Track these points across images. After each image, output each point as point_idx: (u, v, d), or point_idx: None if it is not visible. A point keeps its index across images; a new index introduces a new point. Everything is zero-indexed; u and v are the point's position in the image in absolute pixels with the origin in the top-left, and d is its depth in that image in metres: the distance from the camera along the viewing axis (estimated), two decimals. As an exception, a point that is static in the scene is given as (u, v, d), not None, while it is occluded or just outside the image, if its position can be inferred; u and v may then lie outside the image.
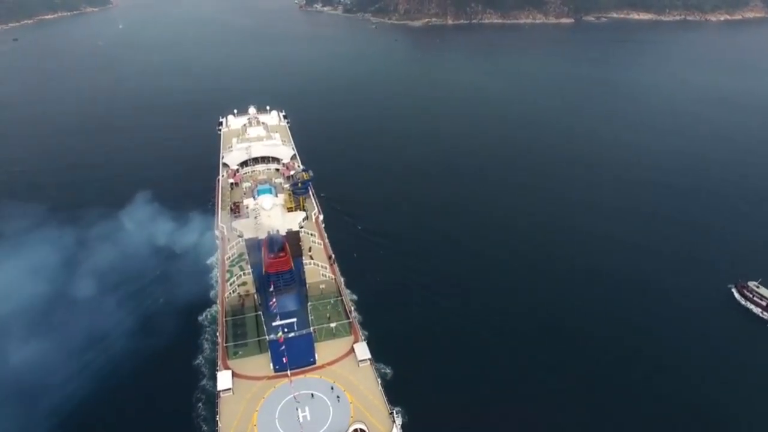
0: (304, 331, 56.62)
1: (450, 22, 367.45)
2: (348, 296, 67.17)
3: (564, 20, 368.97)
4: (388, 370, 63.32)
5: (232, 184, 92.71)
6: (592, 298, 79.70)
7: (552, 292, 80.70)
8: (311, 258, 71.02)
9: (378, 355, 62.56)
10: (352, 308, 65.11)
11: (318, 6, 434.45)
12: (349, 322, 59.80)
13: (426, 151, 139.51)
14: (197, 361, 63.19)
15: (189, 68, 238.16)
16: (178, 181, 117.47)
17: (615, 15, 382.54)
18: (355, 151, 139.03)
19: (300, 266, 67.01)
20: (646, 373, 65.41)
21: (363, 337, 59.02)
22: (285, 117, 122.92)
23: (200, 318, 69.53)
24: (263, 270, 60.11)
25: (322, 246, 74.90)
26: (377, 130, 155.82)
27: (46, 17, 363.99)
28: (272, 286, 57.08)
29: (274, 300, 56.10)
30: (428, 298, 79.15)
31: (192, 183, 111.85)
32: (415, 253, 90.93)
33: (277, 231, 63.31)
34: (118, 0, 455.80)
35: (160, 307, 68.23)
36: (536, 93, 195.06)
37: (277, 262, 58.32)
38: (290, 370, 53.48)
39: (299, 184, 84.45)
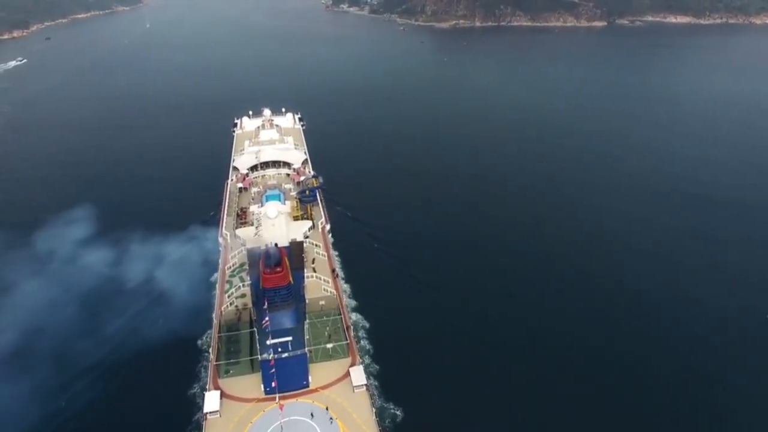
0: (299, 352, 53.59)
1: (478, 24, 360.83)
2: (349, 314, 63.88)
3: (596, 23, 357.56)
4: (392, 408, 57.67)
5: (240, 188, 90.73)
6: (625, 314, 75.07)
7: (591, 311, 75.70)
8: (314, 271, 68.04)
9: (380, 382, 59.40)
10: (352, 327, 61.77)
11: (344, 6, 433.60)
12: (348, 343, 56.56)
13: (448, 158, 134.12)
14: (192, 390, 58.73)
15: (210, 68, 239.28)
16: (189, 184, 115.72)
17: (650, 18, 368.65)
18: (371, 156, 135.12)
19: (300, 280, 64.05)
20: (673, 391, 62.32)
21: (361, 360, 55.62)
22: (300, 119, 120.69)
23: (200, 342, 64.64)
24: (260, 284, 57.55)
25: (326, 258, 71.82)
26: (396, 135, 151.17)
27: (79, 16, 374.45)
28: (266, 303, 54.28)
29: (266, 319, 53.28)
30: (445, 323, 72.06)
31: (203, 188, 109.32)
32: (432, 269, 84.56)
33: (275, 245, 60.48)
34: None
35: (158, 331, 62.75)
36: (566, 100, 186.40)
37: (274, 277, 55.54)
38: (283, 392, 50.55)
39: (307, 192, 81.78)
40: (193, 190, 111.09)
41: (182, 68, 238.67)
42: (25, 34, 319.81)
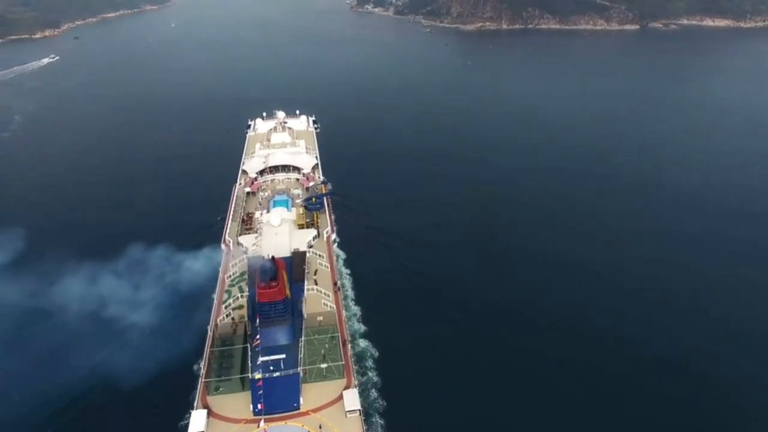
0: (291, 372, 50.97)
1: (504, 26, 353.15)
2: (348, 332, 60.84)
3: (628, 27, 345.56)
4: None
5: (248, 192, 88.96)
6: (666, 326, 71.91)
7: (632, 325, 71.92)
8: (315, 283, 65.31)
9: (379, 410, 55.91)
10: (350, 346, 58.69)
11: (369, 7, 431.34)
12: (343, 364, 53.60)
13: (470, 165, 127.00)
14: (180, 407, 54.17)
15: (231, 68, 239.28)
16: (199, 186, 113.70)
17: (686, 21, 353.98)
18: (388, 162, 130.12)
19: (299, 293, 61.47)
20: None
21: (356, 383, 52.59)
22: (315, 122, 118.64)
23: (195, 368, 59.00)
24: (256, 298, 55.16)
25: (329, 270, 69.05)
26: (415, 141, 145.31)
27: (109, 15, 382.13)
28: (258, 320, 51.79)
29: (258, 338, 50.77)
30: (470, 356, 65.69)
31: (213, 190, 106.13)
32: (453, 288, 78.70)
33: (272, 258, 57.99)
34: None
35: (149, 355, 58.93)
36: (592, 108, 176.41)
37: (269, 292, 53.04)
38: (272, 414, 47.99)
39: (313, 199, 79.38)
40: (202, 192, 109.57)
41: (203, 67, 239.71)
42: (56, 33, 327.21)
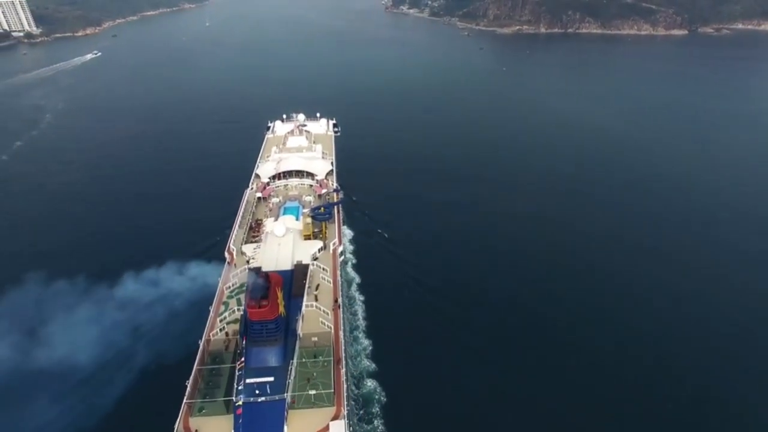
0: (277, 397, 47.34)
1: (543, 30, 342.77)
2: (344, 353, 56.76)
3: (675, 32, 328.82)
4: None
5: (259, 198, 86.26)
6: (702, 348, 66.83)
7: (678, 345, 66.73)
8: (315, 299, 61.44)
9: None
10: (344, 372, 54.53)
11: (404, 8, 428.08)
12: (333, 392, 49.58)
13: (501, 179, 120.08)
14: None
15: (260, 67, 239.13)
16: (217, 190, 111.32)
17: (740, 26, 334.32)
18: (411, 171, 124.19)
19: (296, 311, 57.79)
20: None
21: (345, 412, 48.48)
22: (335, 126, 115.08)
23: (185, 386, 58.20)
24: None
25: (331, 285, 65.22)
26: (441, 150, 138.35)
27: (149, 14, 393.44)
28: (244, 341, 48.46)
29: (242, 360, 47.43)
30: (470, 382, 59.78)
31: (227, 194, 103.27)
32: (473, 311, 72.59)
33: (266, 274, 54.52)
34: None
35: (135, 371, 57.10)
36: (634, 121, 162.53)
37: (259, 312, 49.62)
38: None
39: (321, 209, 75.74)
40: (219, 195, 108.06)
41: (232, 67, 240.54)
42: (97, 31, 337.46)
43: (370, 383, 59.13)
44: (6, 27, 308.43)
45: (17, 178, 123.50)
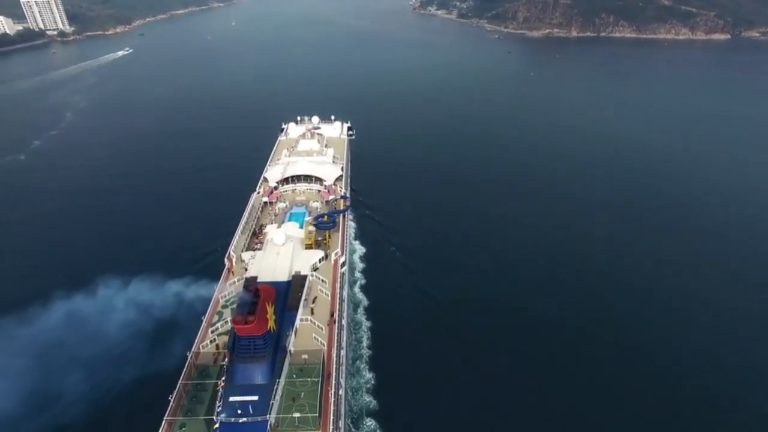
0: (259, 418, 44.44)
1: (574, 34, 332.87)
2: (335, 372, 53.46)
3: (717, 36, 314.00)
4: None
5: (265, 203, 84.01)
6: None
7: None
8: (311, 313, 58.37)
9: None
10: (332, 394, 51.22)
11: (432, 9, 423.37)
12: (318, 416, 46.39)
13: (524, 193, 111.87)
14: None
15: (280, 66, 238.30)
16: (225, 194, 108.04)
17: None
18: (428, 180, 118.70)
19: (290, 326, 54.86)
20: None
21: (331, 440, 45.13)
22: (350, 129, 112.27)
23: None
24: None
25: (329, 298, 62.08)
26: (460, 159, 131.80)
27: (178, 12, 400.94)
28: (226, 358, 45.79)
29: (223, 378, 44.77)
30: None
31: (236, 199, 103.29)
32: (489, 334, 66.01)
33: (255, 287, 51.81)
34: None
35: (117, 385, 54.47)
36: (672, 135, 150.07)
37: (245, 328, 46.92)
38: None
39: (325, 218, 72.76)
40: (231, 197, 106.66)
41: (253, 67, 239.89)
42: (127, 29, 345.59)
43: (370, 423, 53.71)
44: (41, 26, 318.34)
45: (32, 177, 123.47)
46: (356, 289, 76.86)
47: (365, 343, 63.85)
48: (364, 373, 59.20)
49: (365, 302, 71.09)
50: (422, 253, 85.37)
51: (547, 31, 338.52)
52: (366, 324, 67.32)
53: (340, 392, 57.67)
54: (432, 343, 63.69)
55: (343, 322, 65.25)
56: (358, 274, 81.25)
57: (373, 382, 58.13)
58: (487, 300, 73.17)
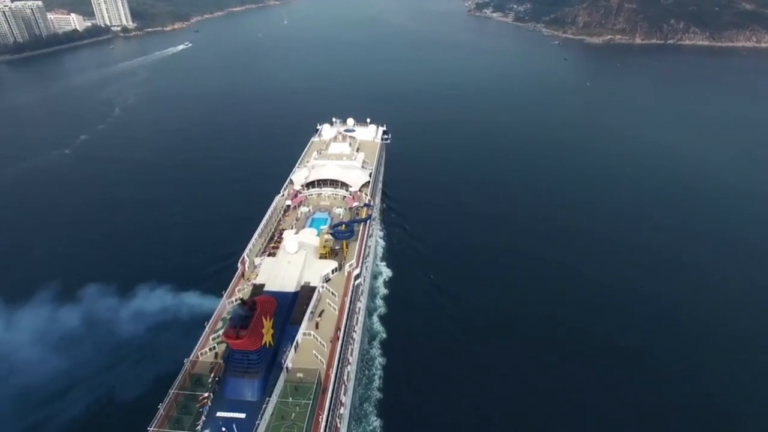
0: None
1: (638, 41, 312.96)
2: (334, 393, 49.96)
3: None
4: None
5: (288, 206, 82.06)
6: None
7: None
8: (316, 327, 55.28)
9: None
10: (322, 419, 47.63)
11: (488, 12, 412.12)
12: None
13: (569, 212, 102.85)
14: None
15: (326, 64, 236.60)
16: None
17: None
18: (466, 193, 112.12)
19: (289, 340, 52.13)
20: None
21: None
22: (385, 133, 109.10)
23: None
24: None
25: (337, 313, 58.73)
26: (503, 172, 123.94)
27: (235, 9, 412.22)
28: (213, 373, 43.55)
29: (205, 395, 42.51)
30: None
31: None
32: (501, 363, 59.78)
33: (252, 301, 49.21)
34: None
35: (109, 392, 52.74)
36: (748, 158, 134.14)
37: (237, 342, 44.50)
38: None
39: (342, 226, 69.54)
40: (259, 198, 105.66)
41: (301, 67, 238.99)
42: (184, 25, 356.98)
43: None
44: (107, 22, 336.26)
45: (74, 172, 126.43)
46: (374, 318, 71.18)
47: (376, 383, 57.70)
48: (371, 418, 53.52)
49: (383, 335, 64.80)
50: (463, 284, 75.17)
51: (609, 37, 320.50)
52: (380, 361, 61.04)
53: (342, 411, 54.15)
54: (453, 395, 55.10)
55: (354, 335, 61.67)
56: (379, 301, 75.65)
57: (380, 431, 51.90)
58: (525, 339, 63.53)
